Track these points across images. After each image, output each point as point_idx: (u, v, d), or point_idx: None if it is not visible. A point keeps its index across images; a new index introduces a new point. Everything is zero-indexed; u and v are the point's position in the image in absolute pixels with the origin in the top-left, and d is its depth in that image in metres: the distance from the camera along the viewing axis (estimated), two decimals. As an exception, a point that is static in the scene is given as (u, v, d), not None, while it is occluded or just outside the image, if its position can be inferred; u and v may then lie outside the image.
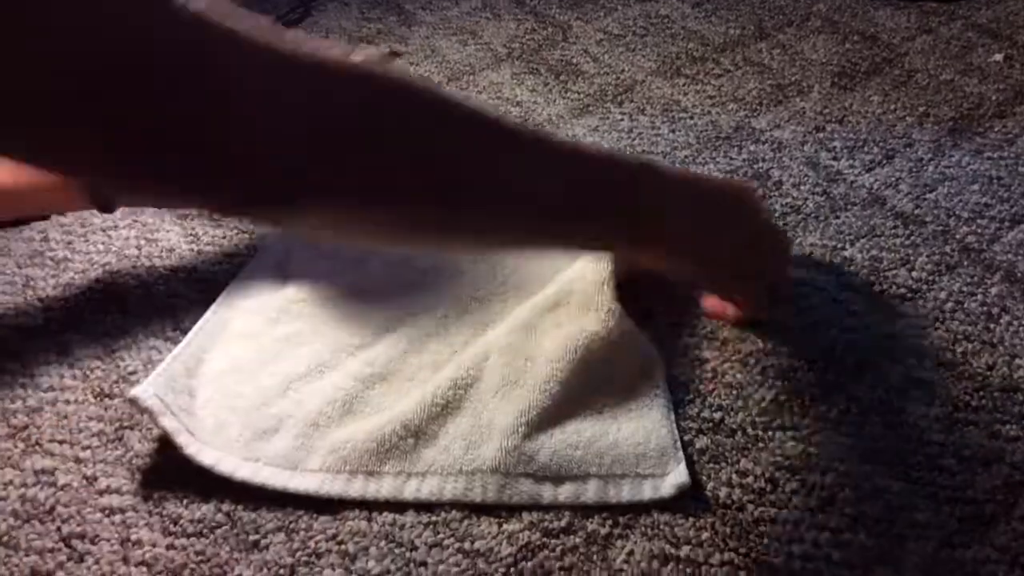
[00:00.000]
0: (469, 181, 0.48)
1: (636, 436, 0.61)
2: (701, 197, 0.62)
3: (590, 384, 0.65)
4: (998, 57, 1.04)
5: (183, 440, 0.60)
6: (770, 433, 0.64)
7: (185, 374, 0.65)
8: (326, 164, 0.43)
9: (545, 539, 0.57)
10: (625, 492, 0.59)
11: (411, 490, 0.59)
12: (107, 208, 0.63)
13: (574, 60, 1.05)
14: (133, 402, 0.61)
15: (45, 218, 0.81)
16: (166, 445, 0.61)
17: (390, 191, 0.45)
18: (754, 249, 0.65)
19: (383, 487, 0.59)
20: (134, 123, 0.37)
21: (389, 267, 0.75)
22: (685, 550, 0.57)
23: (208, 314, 0.70)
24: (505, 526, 0.58)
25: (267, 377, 0.65)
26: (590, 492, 0.59)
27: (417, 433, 0.62)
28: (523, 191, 0.51)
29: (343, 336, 0.69)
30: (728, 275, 0.66)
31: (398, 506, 0.59)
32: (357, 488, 0.59)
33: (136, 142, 0.37)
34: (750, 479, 0.60)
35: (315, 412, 0.63)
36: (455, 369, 0.65)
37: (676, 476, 0.59)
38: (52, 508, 0.59)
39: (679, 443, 0.61)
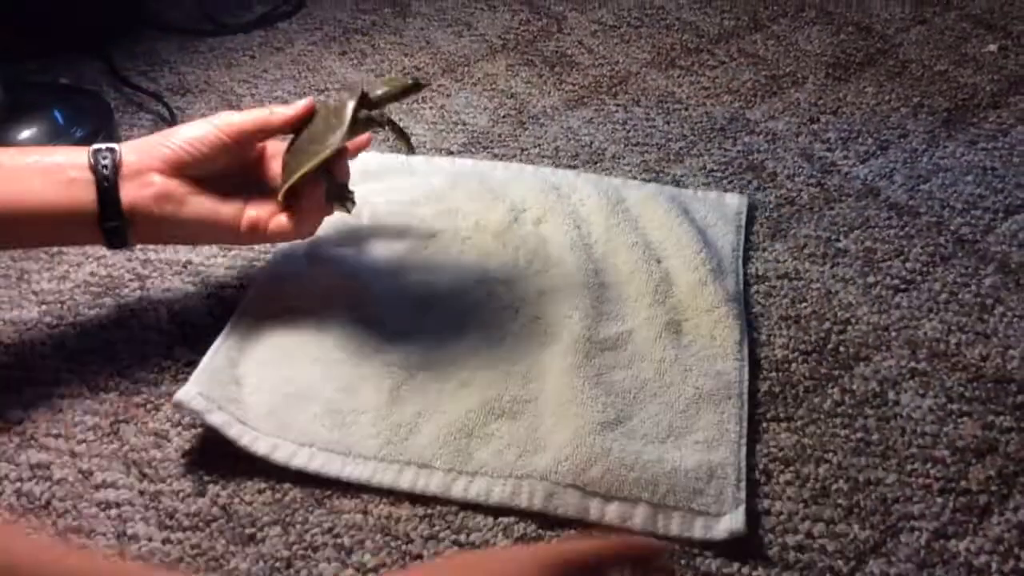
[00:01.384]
0: None
1: (698, 471, 0.59)
2: None
3: (656, 404, 0.64)
4: (992, 47, 1.04)
5: (235, 432, 0.60)
6: (764, 424, 0.64)
7: (229, 364, 0.65)
8: None
9: (540, 531, 0.57)
10: (674, 526, 0.57)
11: (459, 488, 0.59)
12: (118, 239, 0.63)
13: (569, 51, 1.05)
14: (178, 406, 0.61)
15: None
16: (204, 440, 0.61)
17: None
18: None
19: (432, 482, 0.59)
20: None
21: (412, 252, 0.75)
22: (680, 543, 0.57)
23: (243, 304, 0.70)
24: (501, 519, 0.58)
25: (312, 363, 0.66)
26: (638, 518, 0.57)
27: (471, 433, 0.62)
28: None
29: (379, 322, 0.69)
30: None
31: (394, 499, 0.59)
32: (408, 480, 0.60)
33: None
34: (746, 471, 0.60)
35: (364, 400, 0.63)
36: (519, 386, 0.65)
37: (731, 520, 0.57)
38: (48, 502, 0.59)
39: (743, 484, 0.59)
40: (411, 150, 0.69)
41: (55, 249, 0.77)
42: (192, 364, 0.66)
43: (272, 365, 0.66)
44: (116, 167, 0.60)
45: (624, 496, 0.58)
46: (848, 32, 1.07)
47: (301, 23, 1.11)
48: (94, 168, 0.60)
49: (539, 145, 0.90)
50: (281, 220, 0.65)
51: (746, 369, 0.66)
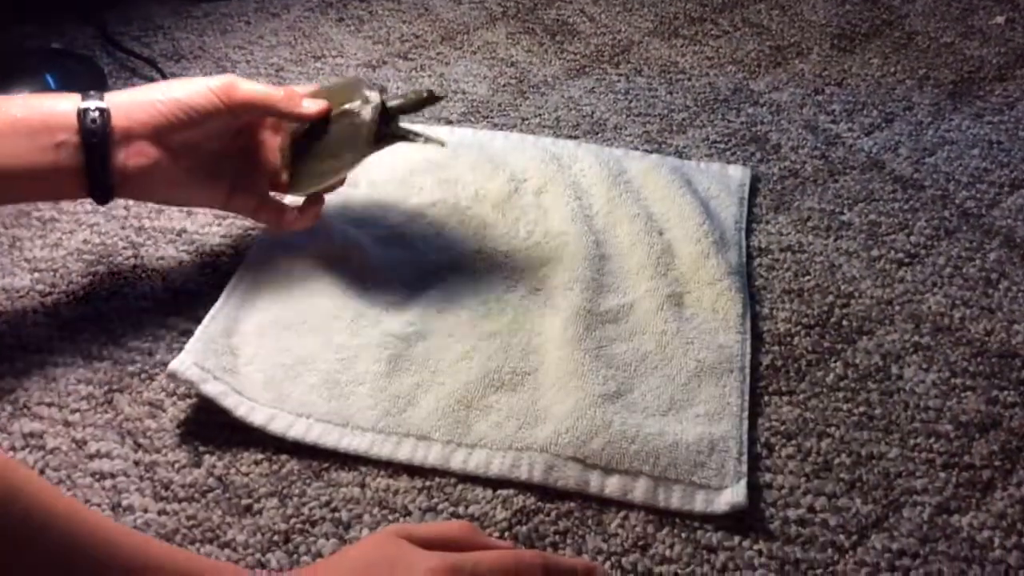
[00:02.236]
0: None
1: (699, 444, 0.59)
2: None
3: (657, 377, 0.63)
4: (999, 20, 1.03)
5: (231, 402, 0.60)
6: (766, 398, 0.63)
7: (224, 334, 0.64)
8: None
9: (540, 503, 0.57)
10: (675, 499, 0.57)
11: (458, 460, 0.59)
12: (104, 198, 0.61)
13: (570, 20, 1.03)
14: (172, 376, 0.60)
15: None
16: (201, 410, 0.61)
17: None
18: None
19: (431, 454, 0.59)
20: None
21: (411, 220, 0.74)
22: (680, 516, 0.56)
23: (239, 273, 0.69)
24: (500, 491, 0.58)
25: (309, 333, 0.65)
26: (638, 491, 0.57)
27: (470, 405, 0.61)
28: None
29: (377, 291, 0.68)
30: None
31: (392, 472, 0.58)
32: (406, 451, 0.59)
33: None
34: (748, 445, 0.60)
35: (362, 371, 0.63)
36: (518, 357, 0.64)
37: (733, 494, 0.57)
38: (41, 472, 0.58)
39: (744, 457, 0.59)
40: (442, 143, 0.66)
41: (48, 216, 0.76)
42: (187, 333, 0.65)
43: (268, 335, 0.65)
44: (106, 132, 0.59)
45: (625, 469, 0.58)
46: (853, 2, 1.06)
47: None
48: (82, 132, 0.58)
49: (540, 115, 0.89)
50: (281, 218, 0.67)
51: (748, 342, 0.66)
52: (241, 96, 0.61)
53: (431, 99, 0.65)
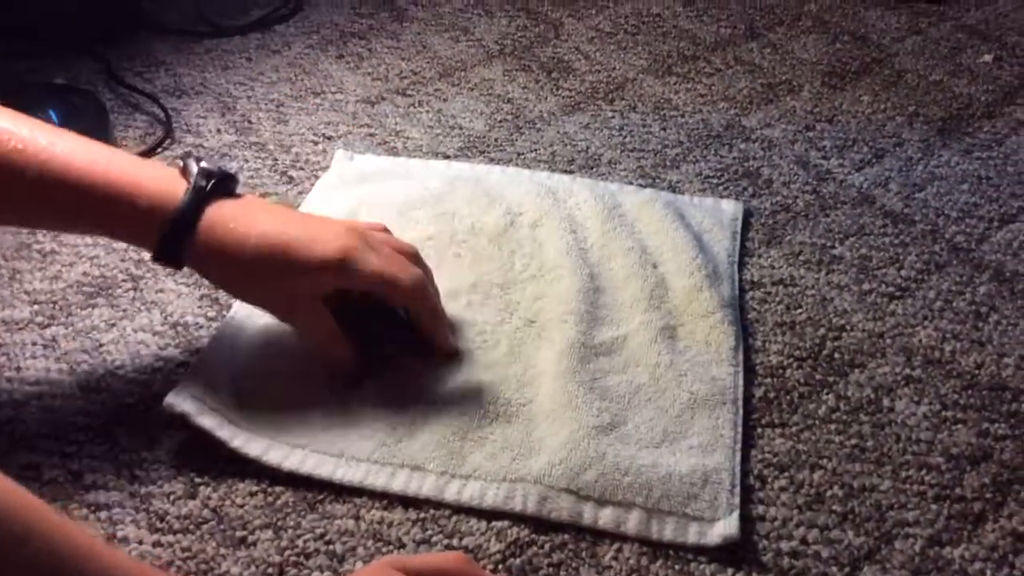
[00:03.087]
0: None
1: (692, 476, 0.59)
2: None
3: (651, 409, 0.64)
4: (987, 58, 1.04)
5: (226, 434, 0.60)
6: (759, 430, 0.64)
7: (221, 366, 0.65)
8: None
9: (534, 535, 0.57)
10: (668, 531, 0.57)
11: (452, 491, 0.59)
12: (175, 267, 0.61)
13: (566, 57, 1.05)
14: (168, 409, 0.60)
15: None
16: (191, 441, 0.61)
17: None
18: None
19: (425, 485, 0.59)
20: None
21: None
22: (674, 548, 0.57)
23: (236, 306, 0.70)
24: (494, 522, 0.58)
25: (305, 366, 0.65)
26: (631, 523, 0.57)
27: (465, 436, 0.61)
28: None
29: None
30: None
31: (386, 504, 0.59)
32: (400, 482, 0.59)
33: None
34: (740, 477, 0.60)
35: (358, 403, 0.63)
36: (513, 388, 0.65)
37: (726, 526, 0.57)
38: (37, 503, 0.58)
39: (737, 489, 0.59)
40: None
41: (48, 248, 0.76)
42: (184, 365, 0.66)
43: (265, 367, 0.65)
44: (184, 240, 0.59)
45: (618, 501, 0.58)
46: (844, 41, 1.08)
47: (298, 26, 1.11)
48: (165, 229, 0.59)
49: (535, 150, 0.90)
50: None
51: (741, 375, 0.66)
52: (353, 285, 0.62)
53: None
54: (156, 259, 0.60)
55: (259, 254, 0.59)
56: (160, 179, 0.60)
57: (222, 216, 0.59)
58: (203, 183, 0.59)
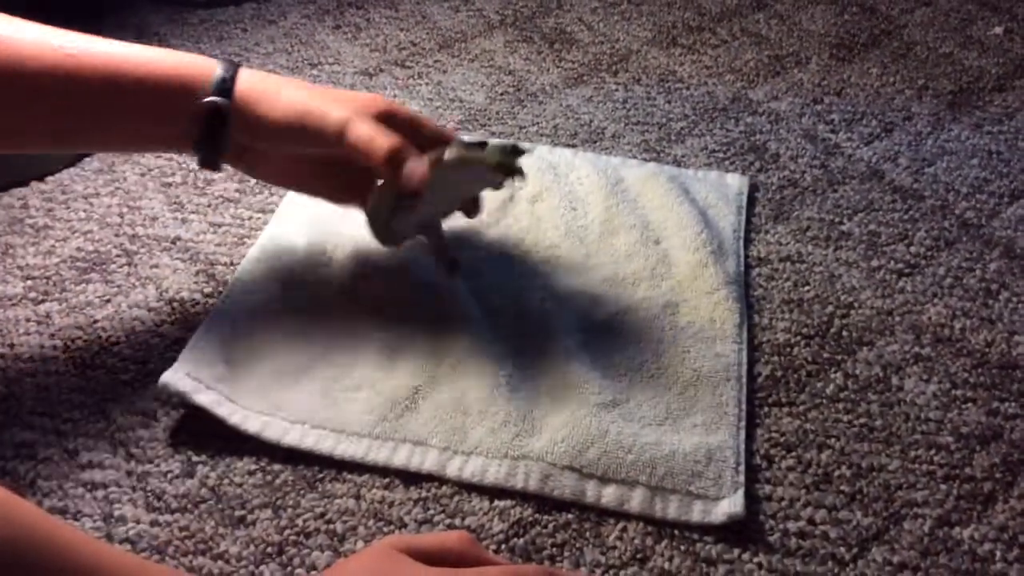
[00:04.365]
0: None
1: (696, 454, 0.58)
2: None
3: (654, 386, 0.63)
4: (998, 30, 1.02)
5: (224, 411, 0.59)
6: (766, 409, 0.63)
7: (218, 343, 0.63)
8: None
9: (537, 515, 0.56)
10: (672, 509, 0.56)
11: (454, 467, 0.58)
12: (212, 167, 0.63)
13: (568, 28, 1.03)
14: (164, 389, 0.60)
15: (23, 184, 0.79)
16: (190, 418, 0.60)
17: None
18: None
19: (427, 460, 0.58)
20: None
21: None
22: (679, 528, 0.56)
23: (234, 282, 0.69)
24: (497, 502, 0.57)
25: (304, 340, 0.64)
26: (635, 501, 0.56)
27: (467, 411, 0.61)
28: None
29: (375, 298, 0.67)
30: None
31: (387, 483, 0.58)
32: (402, 457, 0.58)
33: None
34: (746, 455, 0.59)
35: (359, 377, 0.62)
36: (514, 364, 0.63)
37: (730, 504, 0.56)
38: (33, 482, 0.57)
39: (742, 467, 0.58)
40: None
41: (41, 223, 0.75)
42: (180, 342, 0.64)
43: (263, 342, 0.64)
44: (226, 115, 0.60)
45: (621, 479, 0.57)
46: (852, 12, 1.06)
47: (295, -4, 1.09)
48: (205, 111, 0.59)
49: (537, 123, 0.88)
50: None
51: (745, 352, 0.65)
52: (349, 142, 0.59)
53: (515, 153, 0.59)
54: (197, 141, 0.60)
55: (287, 114, 0.60)
56: (184, 59, 0.61)
57: (251, 79, 0.61)
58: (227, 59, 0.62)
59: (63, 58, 0.57)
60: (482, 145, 0.59)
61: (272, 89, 0.61)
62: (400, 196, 0.60)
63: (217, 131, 0.60)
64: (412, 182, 0.58)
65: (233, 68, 0.60)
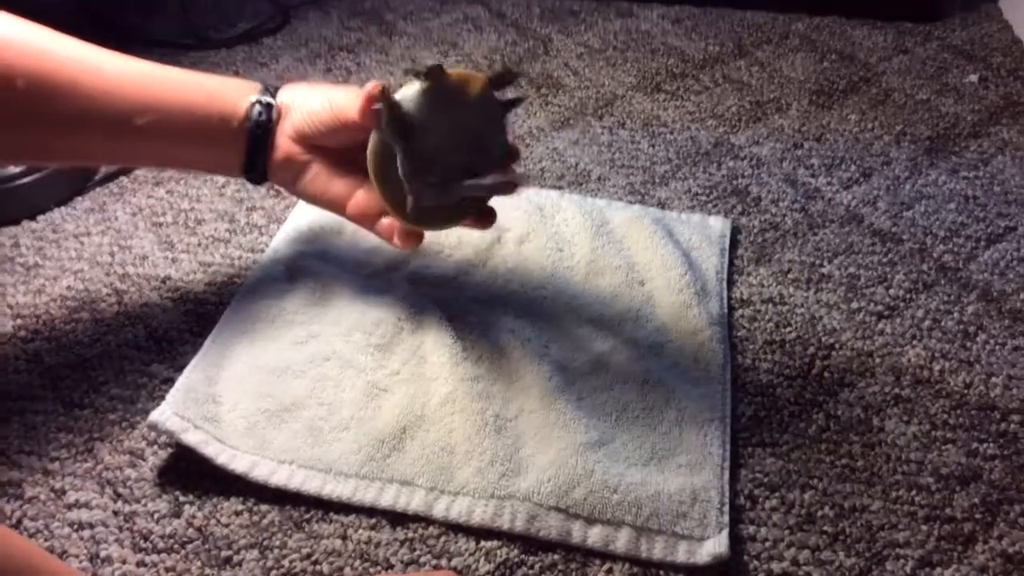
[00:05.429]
0: None
1: (681, 494, 0.59)
2: None
3: (639, 426, 0.64)
4: (973, 78, 1.05)
5: (212, 450, 0.59)
6: (749, 449, 0.63)
7: (206, 382, 0.64)
8: None
9: (524, 556, 0.57)
10: (657, 550, 0.57)
11: (441, 508, 0.58)
12: (259, 181, 0.66)
13: (555, 73, 1.05)
14: (152, 427, 0.60)
15: (15, 223, 0.79)
16: (176, 457, 0.60)
17: None
18: None
19: (414, 500, 0.59)
20: None
21: (391, 269, 0.75)
22: (664, 568, 0.56)
23: (222, 320, 0.69)
24: (483, 543, 0.57)
25: (292, 380, 0.65)
26: (621, 541, 0.57)
27: (453, 451, 0.61)
28: None
29: (360, 337, 0.68)
30: None
31: (374, 523, 0.58)
32: (389, 497, 0.59)
33: None
34: (730, 496, 0.60)
35: (347, 416, 0.63)
36: (500, 404, 0.64)
37: (715, 544, 0.56)
38: (19, 521, 0.57)
39: (727, 508, 0.59)
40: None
41: (32, 262, 0.76)
42: (169, 381, 0.65)
43: (251, 381, 0.65)
44: (269, 128, 0.63)
45: (607, 519, 0.58)
46: (831, 60, 1.08)
47: (286, 39, 1.10)
48: (249, 124, 0.63)
49: (524, 165, 0.90)
50: (395, 232, 0.64)
51: (729, 393, 0.66)
52: (345, 110, 0.61)
53: (510, 73, 0.61)
54: (244, 149, 0.63)
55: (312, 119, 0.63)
56: (221, 82, 0.65)
57: (287, 91, 0.65)
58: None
59: (116, 85, 0.60)
60: None
61: (309, 87, 0.65)
62: (390, 131, 0.57)
63: (263, 137, 0.63)
64: (374, 94, 0.58)
65: (272, 86, 0.65)
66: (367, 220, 0.65)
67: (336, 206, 0.65)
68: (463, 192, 0.59)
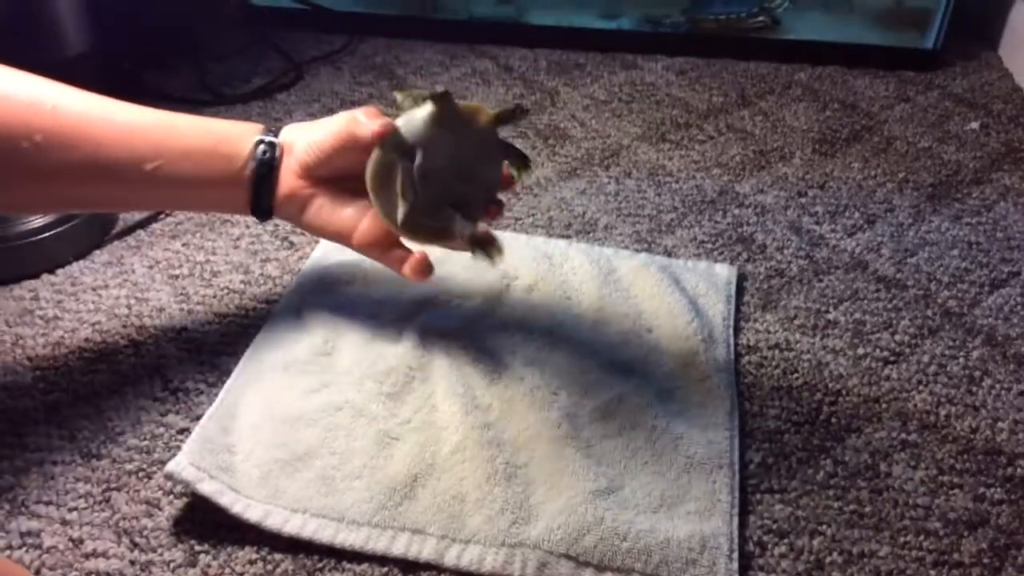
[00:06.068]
0: None
1: (691, 541, 0.59)
2: None
3: (648, 473, 0.64)
4: (974, 125, 1.07)
5: (227, 500, 0.60)
6: (758, 496, 0.64)
7: (221, 433, 0.65)
8: None
9: (534, 604, 0.57)
10: None
11: (452, 556, 0.59)
12: (265, 217, 0.68)
13: (562, 125, 1.07)
14: (169, 477, 0.61)
15: (35, 276, 0.81)
16: (191, 507, 0.61)
17: None
18: None
19: (425, 548, 0.59)
20: None
21: (402, 319, 0.76)
22: (675, 615, 0.56)
23: (237, 371, 0.71)
24: (494, 590, 0.58)
25: (305, 428, 0.66)
26: None
27: (465, 499, 0.62)
28: None
29: (372, 386, 0.69)
30: None
31: (386, 572, 0.58)
32: (401, 546, 0.59)
33: None
34: (739, 542, 0.60)
35: (359, 466, 0.63)
36: (510, 451, 0.65)
37: None
38: (38, 571, 0.58)
39: (736, 555, 0.59)
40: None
41: (51, 315, 0.77)
42: (185, 431, 0.66)
43: (265, 431, 0.66)
44: (273, 166, 0.66)
45: (617, 567, 0.58)
46: (834, 109, 1.10)
47: (299, 94, 1.13)
48: (255, 163, 0.66)
49: (533, 215, 0.92)
50: (402, 260, 0.66)
51: (737, 439, 0.67)
52: (346, 132, 0.64)
53: (520, 111, 0.63)
54: (250, 182, 0.66)
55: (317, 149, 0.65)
56: (226, 126, 0.67)
57: (288, 130, 0.68)
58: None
59: (126, 134, 0.63)
60: None
61: (310, 123, 0.68)
62: (393, 146, 0.61)
63: (267, 175, 0.65)
64: (378, 125, 0.62)
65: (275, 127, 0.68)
66: (374, 249, 0.66)
67: (343, 236, 0.67)
68: (449, 220, 0.63)
